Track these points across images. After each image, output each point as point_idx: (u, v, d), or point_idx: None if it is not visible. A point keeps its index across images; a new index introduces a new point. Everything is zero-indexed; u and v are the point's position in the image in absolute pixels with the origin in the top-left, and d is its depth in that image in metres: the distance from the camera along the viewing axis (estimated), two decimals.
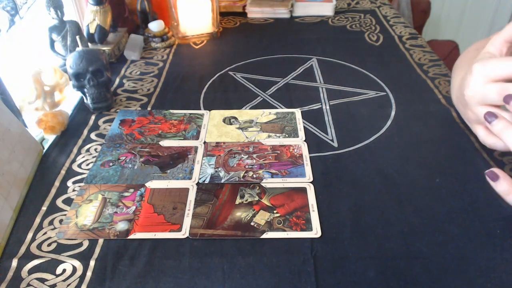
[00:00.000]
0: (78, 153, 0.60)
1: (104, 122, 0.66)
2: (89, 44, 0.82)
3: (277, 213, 0.49)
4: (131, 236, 0.46)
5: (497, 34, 0.49)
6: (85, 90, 0.66)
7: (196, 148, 0.60)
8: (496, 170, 0.43)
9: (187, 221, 0.48)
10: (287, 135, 0.62)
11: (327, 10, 1.05)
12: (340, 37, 0.94)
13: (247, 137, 0.62)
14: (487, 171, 0.44)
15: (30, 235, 0.47)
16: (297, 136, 0.62)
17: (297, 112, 0.67)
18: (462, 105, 0.53)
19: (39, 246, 0.46)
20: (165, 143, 0.61)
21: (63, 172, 0.56)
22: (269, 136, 0.62)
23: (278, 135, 0.62)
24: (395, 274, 0.42)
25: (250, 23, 1.03)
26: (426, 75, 0.77)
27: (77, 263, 0.44)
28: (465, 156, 0.57)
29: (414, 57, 0.84)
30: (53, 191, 0.53)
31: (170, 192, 0.52)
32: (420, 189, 0.52)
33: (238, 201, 0.51)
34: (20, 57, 0.74)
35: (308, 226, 0.47)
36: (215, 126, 0.65)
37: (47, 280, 0.42)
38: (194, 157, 0.58)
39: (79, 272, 0.43)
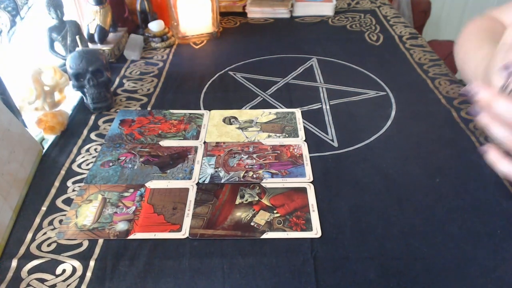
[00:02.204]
0: (78, 153, 0.60)
1: (104, 122, 0.66)
2: (89, 44, 0.82)
3: (277, 213, 0.49)
4: (131, 236, 0.46)
5: None
6: (85, 90, 0.66)
7: (196, 148, 0.60)
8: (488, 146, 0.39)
9: (187, 221, 0.48)
10: (287, 135, 0.62)
11: (327, 10, 1.05)
12: (340, 37, 0.94)
13: (247, 137, 0.62)
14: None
15: (29, 235, 0.47)
16: (297, 136, 0.62)
17: (297, 112, 0.67)
18: None
19: (38, 247, 0.46)
20: (165, 143, 0.61)
21: (63, 172, 0.56)
22: (269, 136, 0.62)
23: (278, 135, 0.62)
24: (395, 274, 0.42)
25: (250, 23, 1.03)
26: (426, 75, 0.77)
27: (76, 264, 0.44)
28: (465, 156, 0.57)
29: (414, 57, 0.84)
30: (53, 191, 0.53)
31: (170, 192, 0.52)
32: (420, 189, 0.52)
33: (238, 201, 0.51)
34: (20, 57, 0.74)
35: (308, 226, 0.47)
36: (215, 126, 0.64)
37: (46, 280, 0.42)
38: (194, 157, 0.58)
39: (78, 273, 0.43)
